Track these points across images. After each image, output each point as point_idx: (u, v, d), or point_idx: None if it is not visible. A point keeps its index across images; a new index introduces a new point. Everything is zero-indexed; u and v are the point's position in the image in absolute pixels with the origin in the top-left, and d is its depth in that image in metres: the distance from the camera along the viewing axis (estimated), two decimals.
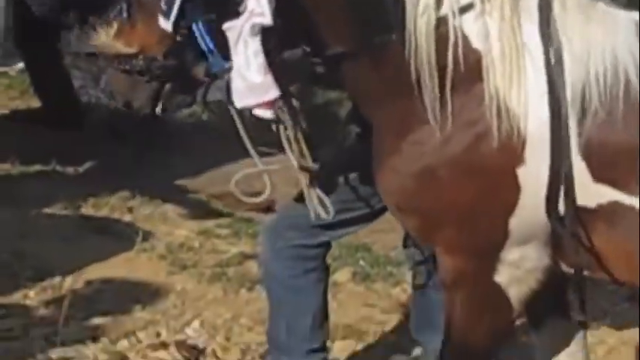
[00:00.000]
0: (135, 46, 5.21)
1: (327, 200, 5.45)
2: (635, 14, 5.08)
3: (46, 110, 10.33)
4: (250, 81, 4.99)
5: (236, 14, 4.94)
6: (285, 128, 5.31)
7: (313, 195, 5.46)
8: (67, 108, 10.21)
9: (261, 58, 4.95)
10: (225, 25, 4.94)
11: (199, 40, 5.08)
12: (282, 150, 5.38)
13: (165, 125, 9.79)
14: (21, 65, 11.83)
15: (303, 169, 5.42)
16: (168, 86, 5.27)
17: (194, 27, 5.06)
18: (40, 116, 10.22)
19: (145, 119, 5.63)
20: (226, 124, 5.27)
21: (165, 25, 5.05)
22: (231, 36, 4.95)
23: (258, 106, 5.08)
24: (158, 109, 5.32)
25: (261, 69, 4.96)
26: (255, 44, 4.93)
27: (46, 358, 6.56)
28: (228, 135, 5.29)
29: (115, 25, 5.25)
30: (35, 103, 10.98)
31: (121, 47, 5.19)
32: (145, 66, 5.19)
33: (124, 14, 5.21)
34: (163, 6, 5.01)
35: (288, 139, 5.32)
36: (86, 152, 9.36)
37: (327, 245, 6.20)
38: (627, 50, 4.88)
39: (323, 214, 5.43)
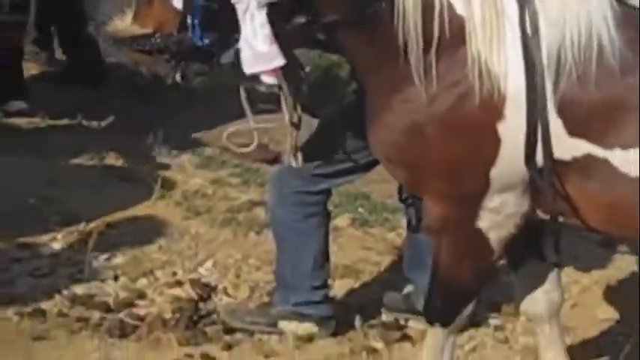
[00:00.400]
0: (151, 26, 5.30)
1: (300, 154, 5.63)
2: None
3: (72, 70, 10.33)
4: (257, 50, 5.11)
5: None
6: (283, 89, 5.43)
7: (292, 150, 5.60)
8: (92, 67, 10.21)
9: (267, 29, 5.07)
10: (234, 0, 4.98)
11: (190, 16, 5.18)
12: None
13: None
14: None
15: (292, 124, 5.53)
16: (183, 57, 5.35)
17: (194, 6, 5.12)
18: (68, 76, 10.21)
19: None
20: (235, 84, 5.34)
21: (177, 3, 5.12)
22: (239, 8, 5.06)
23: (267, 72, 5.15)
24: (178, 78, 5.38)
25: (267, 39, 5.09)
26: (262, 16, 5.04)
27: (71, 294, 6.66)
28: (237, 94, 5.33)
29: (131, 11, 5.29)
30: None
31: (137, 29, 5.28)
32: (162, 44, 5.27)
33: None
34: None
35: (286, 98, 5.43)
36: (109, 108, 9.38)
37: (327, 193, 6.34)
38: (600, 15, 4.93)
39: (294, 164, 5.62)
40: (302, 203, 6.27)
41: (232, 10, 5.08)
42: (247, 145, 5.73)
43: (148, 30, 5.30)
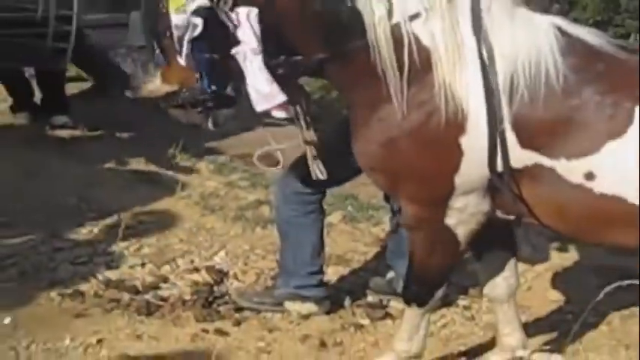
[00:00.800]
0: (176, 83, 5.29)
1: (322, 166, 5.67)
2: (552, 18, 5.20)
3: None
4: (261, 91, 5.13)
5: (235, 43, 5.06)
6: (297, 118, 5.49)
7: (314, 162, 5.67)
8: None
9: (265, 72, 5.07)
10: (233, 51, 5.06)
11: (202, 71, 5.19)
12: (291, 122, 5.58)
13: None
14: None
15: (307, 142, 5.59)
16: (209, 106, 5.36)
17: (201, 61, 5.14)
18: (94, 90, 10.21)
19: None
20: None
21: (181, 60, 5.15)
22: (239, 58, 5.07)
23: (274, 108, 5.20)
24: (211, 125, 5.42)
25: (267, 81, 5.12)
26: (258, 61, 5.05)
27: (106, 279, 6.69)
28: (246, 113, 5.37)
29: (159, 72, 5.32)
30: None
31: (167, 88, 5.30)
32: (190, 97, 5.26)
33: (161, 60, 5.32)
34: (177, 47, 5.09)
35: (299, 122, 5.53)
36: (138, 122, 9.37)
37: (323, 194, 6.36)
38: (546, 45, 4.98)
39: (320, 176, 5.66)
40: (301, 202, 6.30)
41: (234, 58, 5.11)
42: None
43: (175, 87, 5.32)
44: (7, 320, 5.46)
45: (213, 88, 5.21)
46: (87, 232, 7.46)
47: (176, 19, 5.06)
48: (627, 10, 16.36)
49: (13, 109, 9.65)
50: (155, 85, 5.40)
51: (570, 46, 5.06)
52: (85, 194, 8.01)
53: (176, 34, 5.09)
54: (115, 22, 11.96)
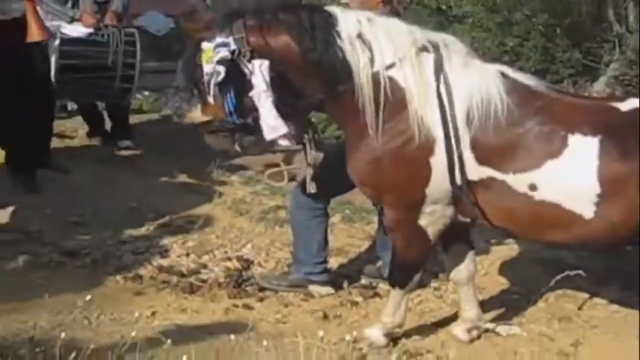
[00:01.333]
0: (209, 115, 5.40)
1: (314, 184, 5.84)
2: (499, 66, 5.37)
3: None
4: (270, 124, 5.26)
5: (251, 87, 5.19)
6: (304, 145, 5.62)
7: (310, 181, 5.83)
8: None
9: (273, 110, 5.21)
10: (250, 93, 5.21)
11: (227, 108, 5.28)
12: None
13: None
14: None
15: (308, 165, 5.71)
16: (236, 134, 5.48)
17: (225, 99, 5.23)
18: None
19: None
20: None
21: (210, 99, 5.26)
22: (255, 99, 5.22)
23: (278, 138, 5.32)
24: (238, 148, 5.50)
25: (275, 116, 5.26)
26: (268, 102, 5.19)
27: (159, 265, 6.77)
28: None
29: (200, 108, 5.44)
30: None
31: (204, 117, 5.41)
32: (220, 126, 5.38)
33: (199, 98, 5.44)
34: (207, 90, 5.21)
35: (304, 148, 5.67)
36: (184, 145, 9.33)
37: (327, 202, 6.42)
38: (494, 86, 5.10)
39: (312, 190, 5.85)
40: (311, 208, 6.35)
41: (251, 98, 5.27)
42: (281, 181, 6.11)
43: (210, 117, 5.43)
44: (88, 297, 5.49)
45: (238, 120, 5.33)
46: (145, 229, 7.49)
47: (206, 68, 5.20)
48: (561, 61, 16.36)
49: (89, 134, 9.68)
50: (196, 115, 5.46)
51: (513, 87, 5.18)
52: (143, 200, 8.03)
53: (206, 79, 5.22)
54: (165, 69, 11.98)
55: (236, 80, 5.25)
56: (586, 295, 6.44)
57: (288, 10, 5.37)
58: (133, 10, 10.73)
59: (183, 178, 8.81)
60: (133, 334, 4.65)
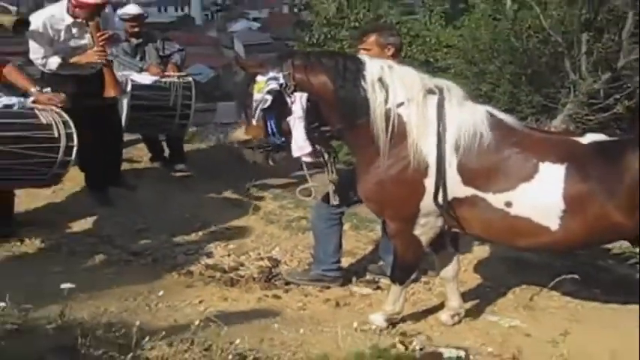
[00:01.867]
0: (250, 135, 5.40)
1: (337, 197, 5.85)
2: (487, 107, 5.36)
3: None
4: (298, 144, 5.25)
5: (289, 113, 5.19)
6: (325, 163, 5.61)
7: (333, 194, 5.80)
8: None
9: (303, 133, 5.20)
10: (288, 119, 5.21)
11: (269, 129, 5.26)
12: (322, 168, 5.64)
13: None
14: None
15: (330, 181, 5.66)
16: (269, 151, 5.48)
17: (268, 122, 5.22)
18: None
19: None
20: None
21: (254, 121, 5.25)
22: (291, 122, 5.21)
23: (303, 155, 5.31)
24: (271, 162, 5.50)
25: (304, 137, 5.24)
26: (301, 126, 5.19)
27: (206, 263, 6.75)
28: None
29: (244, 127, 5.43)
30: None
31: (245, 137, 5.41)
32: (257, 144, 5.38)
33: (245, 118, 5.41)
34: (253, 114, 5.23)
35: (326, 167, 5.67)
36: (228, 167, 9.31)
37: (342, 213, 6.35)
38: (480, 123, 5.10)
39: (334, 202, 5.84)
40: (329, 218, 6.30)
41: (287, 122, 5.28)
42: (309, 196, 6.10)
43: (250, 137, 5.43)
44: (161, 293, 5.65)
45: (277, 140, 5.32)
46: (195, 235, 7.45)
47: (257, 96, 5.22)
48: (525, 103, 16.49)
49: (152, 159, 9.67)
50: (240, 133, 5.44)
51: (496, 124, 5.19)
52: (194, 212, 7.98)
53: (254, 105, 5.24)
54: (207, 109, 12.09)
55: (279, 107, 5.26)
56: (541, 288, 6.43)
57: (328, 55, 5.54)
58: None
59: (225, 194, 8.72)
60: None
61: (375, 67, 5.24)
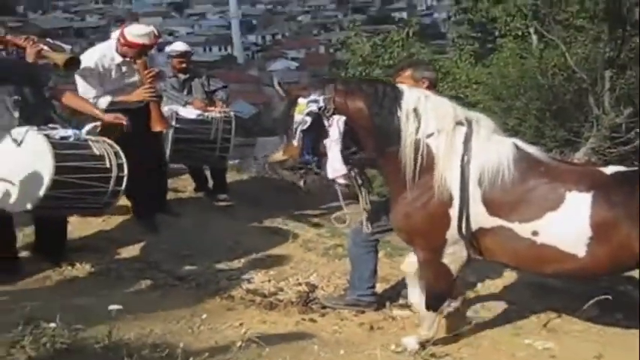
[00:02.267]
0: (287, 155, 5.35)
1: (370, 224, 5.80)
2: (514, 139, 5.30)
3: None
4: (333, 166, 5.18)
5: (326, 136, 5.15)
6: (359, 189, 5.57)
7: (366, 222, 5.76)
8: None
9: (338, 155, 5.15)
10: (324, 142, 5.18)
11: (306, 150, 5.22)
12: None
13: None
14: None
15: (364, 209, 5.65)
16: (304, 172, 5.42)
17: (305, 143, 5.19)
18: None
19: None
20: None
21: (294, 142, 5.21)
22: (327, 144, 5.17)
23: (337, 177, 5.22)
24: (302, 183, 5.51)
25: (338, 160, 5.18)
26: (336, 149, 5.16)
27: (246, 288, 6.74)
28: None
29: (282, 148, 5.38)
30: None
31: (283, 157, 5.36)
32: (291, 165, 5.35)
33: (285, 140, 5.37)
34: (292, 135, 5.18)
35: (360, 194, 5.63)
36: (266, 198, 9.36)
37: (377, 241, 6.30)
38: (505, 156, 5.04)
39: (366, 230, 5.76)
40: (365, 245, 6.25)
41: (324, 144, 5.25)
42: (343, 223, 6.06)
43: (287, 158, 5.39)
44: (204, 316, 5.69)
45: (312, 160, 5.30)
46: (237, 261, 7.43)
47: (297, 117, 5.21)
48: (549, 137, 16.45)
49: (196, 189, 9.73)
50: (279, 155, 5.41)
51: (523, 156, 5.14)
52: (236, 239, 7.98)
53: (294, 126, 5.22)
54: (248, 143, 12.21)
55: (317, 129, 5.22)
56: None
57: (369, 82, 5.54)
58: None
59: (265, 223, 8.74)
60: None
61: (413, 96, 5.20)
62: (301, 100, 5.26)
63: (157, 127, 7.61)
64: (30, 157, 5.93)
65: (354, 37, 22.35)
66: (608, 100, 15.95)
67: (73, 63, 6.78)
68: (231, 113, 9.32)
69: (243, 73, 78.52)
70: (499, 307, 6.49)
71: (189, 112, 8.96)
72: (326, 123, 5.21)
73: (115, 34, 7.73)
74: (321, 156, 5.31)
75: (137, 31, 7.47)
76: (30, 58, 6.57)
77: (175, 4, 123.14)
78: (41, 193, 5.84)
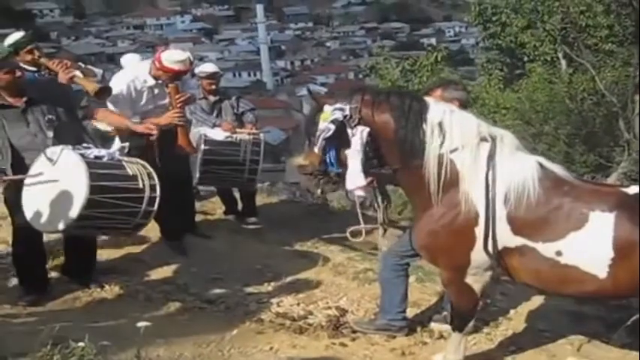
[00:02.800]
0: (307, 162, 5.28)
1: (387, 241, 5.89)
2: (537, 157, 5.22)
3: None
4: (353, 177, 5.11)
5: (348, 145, 5.08)
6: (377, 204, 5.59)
7: (382, 239, 5.62)
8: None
9: (359, 167, 5.09)
10: (346, 151, 5.11)
11: (328, 158, 5.16)
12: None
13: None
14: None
15: (382, 225, 5.65)
16: (322, 180, 5.31)
17: (327, 151, 5.14)
18: None
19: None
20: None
21: (316, 149, 5.16)
22: (349, 154, 5.09)
23: (357, 188, 5.16)
24: (319, 192, 5.38)
25: (359, 172, 5.11)
26: (358, 159, 5.08)
27: (276, 312, 6.67)
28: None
29: (304, 154, 5.33)
30: None
31: (303, 162, 5.30)
32: (311, 171, 5.26)
33: (308, 146, 5.30)
34: (315, 142, 5.13)
35: (378, 208, 5.69)
36: (296, 221, 9.35)
37: (408, 264, 6.21)
38: (530, 175, 4.98)
39: (384, 248, 5.80)
40: (395, 270, 6.16)
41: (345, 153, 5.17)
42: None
43: (306, 163, 5.31)
44: (232, 339, 5.70)
45: (333, 168, 5.22)
46: (266, 284, 7.37)
47: (321, 125, 5.13)
48: (579, 162, 16.36)
49: (225, 212, 9.73)
50: (300, 160, 5.34)
51: (547, 175, 5.06)
52: (265, 262, 7.92)
53: (318, 133, 5.15)
54: (277, 169, 12.27)
55: (340, 138, 5.14)
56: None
57: (397, 94, 5.35)
58: None
59: (295, 246, 8.70)
60: None
61: (438, 111, 5.12)
62: (327, 108, 5.17)
63: (183, 151, 7.63)
64: (65, 176, 5.93)
65: (383, 62, 22.34)
66: (639, 124, 15.84)
67: (104, 92, 6.79)
68: (261, 135, 9.29)
69: (272, 98, 78.96)
70: (530, 332, 6.38)
71: (218, 134, 8.95)
72: (349, 132, 5.13)
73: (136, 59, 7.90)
74: (342, 166, 5.22)
75: (173, 58, 7.45)
76: (62, 82, 6.64)
77: (205, 30, 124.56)
78: (76, 212, 5.81)
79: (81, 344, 4.44)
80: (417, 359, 5.90)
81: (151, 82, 7.55)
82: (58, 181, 5.92)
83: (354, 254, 8.40)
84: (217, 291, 7.11)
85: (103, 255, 7.51)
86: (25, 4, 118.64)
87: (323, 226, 9.58)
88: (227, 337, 5.71)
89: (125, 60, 8.71)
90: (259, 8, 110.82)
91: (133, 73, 7.69)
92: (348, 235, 6.07)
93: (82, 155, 6.00)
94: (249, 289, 7.20)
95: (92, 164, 5.96)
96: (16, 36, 7.14)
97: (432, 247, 5.27)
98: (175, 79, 7.50)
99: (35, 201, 5.98)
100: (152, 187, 6.23)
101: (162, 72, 7.44)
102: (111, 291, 6.89)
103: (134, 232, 6.62)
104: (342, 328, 6.34)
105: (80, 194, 5.81)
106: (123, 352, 4.71)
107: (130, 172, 6.21)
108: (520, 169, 5.02)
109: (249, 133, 9.08)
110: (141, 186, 6.18)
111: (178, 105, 7.42)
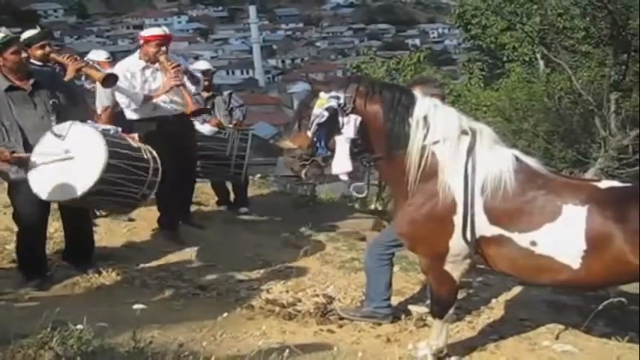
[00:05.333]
0: (296, 145, 5.20)
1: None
2: (514, 151, 5.18)
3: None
4: (340, 162, 5.07)
5: (339, 132, 5.04)
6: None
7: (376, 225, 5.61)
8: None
9: (347, 152, 5.06)
10: (336, 137, 5.08)
11: (318, 142, 5.11)
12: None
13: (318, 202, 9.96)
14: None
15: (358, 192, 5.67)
16: (309, 163, 5.23)
17: (319, 136, 5.09)
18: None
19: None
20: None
21: (309, 134, 5.11)
22: (338, 141, 5.06)
23: (342, 174, 5.13)
24: (303, 174, 5.26)
25: (347, 157, 5.07)
26: (347, 146, 5.06)
27: (266, 299, 6.61)
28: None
29: (292, 135, 5.25)
30: None
31: (291, 145, 5.21)
32: (299, 154, 5.17)
33: (296, 127, 5.24)
34: (309, 126, 5.08)
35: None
36: (286, 212, 9.36)
37: (393, 254, 6.19)
38: (506, 167, 4.97)
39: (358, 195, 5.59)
40: (382, 258, 6.13)
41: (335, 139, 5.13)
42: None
43: (295, 146, 5.21)
44: (224, 324, 5.62)
45: (323, 152, 5.15)
46: (256, 272, 7.33)
47: (316, 110, 5.07)
48: (558, 158, 16.37)
49: (218, 203, 9.75)
50: (288, 143, 5.23)
51: (522, 168, 5.04)
52: (256, 251, 7.91)
53: (312, 118, 5.09)
54: (269, 163, 12.29)
55: (332, 125, 5.08)
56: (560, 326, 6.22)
57: (389, 87, 5.33)
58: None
59: (284, 236, 8.67)
60: None
61: (424, 105, 5.10)
62: (322, 95, 5.11)
63: (191, 108, 7.66)
64: (78, 146, 6.01)
65: (369, 61, 22.34)
66: (614, 122, 15.87)
67: (111, 79, 6.80)
68: (248, 131, 9.39)
69: (264, 95, 78.89)
70: (514, 322, 6.33)
71: (206, 129, 9.04)
72: (341, 120, 5.08)
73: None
74: (331, 150, 5.15)
75: (151, 29, 8.00)
76: (70, 74, 6.63)
77: (201, 30, 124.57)
78: (96, 176, 5.88)
79: (79, 327, 4.42)
80: (403, 345, 5.81)
81: (142, 64, 7.78)
82: (69, 152, 5.99)
83: (341, 244, 8.38)
84: (210, 278, 7.08)
85: (101, 242, 7.51)
86: (31, 4, 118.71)
87: (312, 217, 9.57)
88: (219, 323, 5.61)
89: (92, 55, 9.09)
90: (252, 9, 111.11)
91: (126, 61, 7.97)
92: (351, 190, 5.99)
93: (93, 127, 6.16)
94: (241, 277, 7.16)
95: (104, 134, 6.08)
96: (30, 32, 7.12)
97: (411, 235, 5.23)
98: (161, 46, 7.66)
99: (47, 175, 6.00)
100: (154, 159, 6.34)
101: (147, 45, 7.69)
102: (108, 277, 6.85)
103: (140, 202, 6.63)
104: (330, 315, 6.29)
105: (99, 159, 5.90)
106: (119, 335, 4.67)
107: (135, 145, 6.34)
108: (497, 160, 4.99)
109: (235, 128, 9.17)
110: (145, 157, 6.29)
111: (172, 69, 7.54)
